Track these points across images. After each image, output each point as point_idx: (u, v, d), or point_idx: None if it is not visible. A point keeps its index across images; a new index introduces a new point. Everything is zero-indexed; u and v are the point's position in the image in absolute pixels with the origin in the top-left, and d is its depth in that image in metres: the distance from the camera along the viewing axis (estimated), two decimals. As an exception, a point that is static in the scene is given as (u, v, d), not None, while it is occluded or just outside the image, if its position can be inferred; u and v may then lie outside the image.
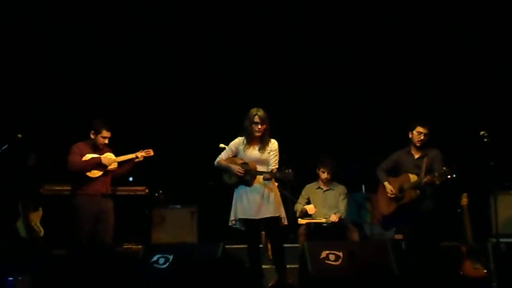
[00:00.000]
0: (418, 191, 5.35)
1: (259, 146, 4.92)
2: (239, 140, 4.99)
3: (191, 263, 4.65)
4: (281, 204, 4.98)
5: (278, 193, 4.98)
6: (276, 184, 5.04)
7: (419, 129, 5.43)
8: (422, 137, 5.42)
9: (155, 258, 5.05)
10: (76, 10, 6.97)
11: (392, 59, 7.07)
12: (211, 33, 7.21)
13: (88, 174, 5.39)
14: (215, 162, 5.03)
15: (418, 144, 5.44)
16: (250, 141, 4.93)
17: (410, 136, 5.49)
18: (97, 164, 5.39)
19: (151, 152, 5.60)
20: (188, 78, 7.38)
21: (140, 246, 5.76)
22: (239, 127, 4.92)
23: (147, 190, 6.87)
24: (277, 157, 4.93)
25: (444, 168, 5.15)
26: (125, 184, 6.71)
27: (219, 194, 6.58)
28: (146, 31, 7.18)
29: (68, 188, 5.70)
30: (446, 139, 5.85)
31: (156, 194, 7.00)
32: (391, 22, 6.98)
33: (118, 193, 6.27)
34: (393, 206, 5.53)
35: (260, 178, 4.85)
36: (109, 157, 5.44)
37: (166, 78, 7.31)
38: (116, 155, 5.54)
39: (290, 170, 4.71)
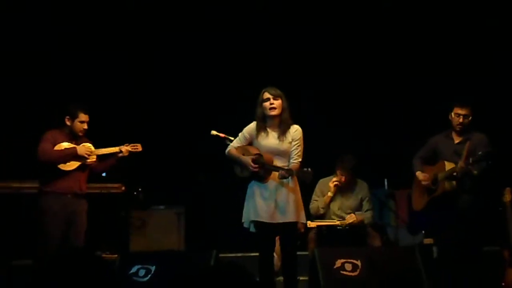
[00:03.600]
0: (454, 183, 5.13)
1: (278, 133, 4.59)
2: (253, 125, 4.66)
3: (177, 275, 4.67)
4: (302, 207, 4.70)
5: (299, 193, 4.68)
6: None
7: (457, 110, 5.27)
8: (461, 120, 5.25)
9: (134, 270, 4.90)
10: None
11: (422, 37, 7.09)
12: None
13: (61, 166, 5.17)
14: (226, 151, 4.75)
15: (458, 128, 5.28)
16: (266, 127, 4.61)
17: (450, 118, 5.35)
18: (72, 156, 5.19)
19: (139, 148, 5.47)
20: (173, 69, 7.41)
21: (116, 255, 5.59)
22: (231, 114, 4.69)
23: (123, 188, 6.59)
24: (300, 148, 4.59)
25: (480, 152, 4.94)
26: (97, 181, 6.41)
27: (210, 192, 6.60)
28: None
29: (29, 185, 5.70)
30: (489, 123, 5.70)
31: (135, 193, 6.84)
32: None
33: (89, 191, 5.99)
34: (425, 200, 5.36)
35: (277, 173, 4.53)
36: (87, 148, 5.25)
37: (150, 69, 7.36)
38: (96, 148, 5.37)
39: (310, 169, 4.39)
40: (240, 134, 4.72)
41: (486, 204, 5.46)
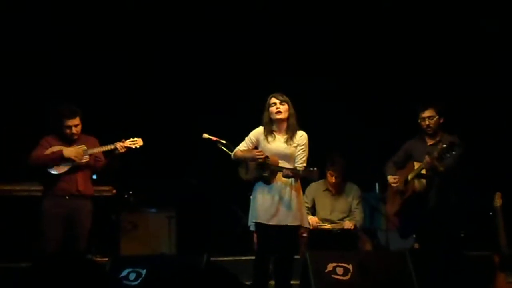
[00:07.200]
0: (424, 181, 5.18)
1: (285, 137, 4.72)
2: (260, 130, 4.80)
3: (168, 278, 4.66)
4: (304, 211, 4.83)
5: (302, 197, 4.81)
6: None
7: (421, 114, 5.30)
8: (427, 122, 5.27)
9: (124, 273, 4.85)
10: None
11: (412, 44, 7.11)
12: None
13: (51, 170, 5.15)
14: (232, 155, 4.87)
15: (428, 131, 5.30)
16: (272, 131, 4.75)
17: (419, 123, 5.38)
18: (59, 158, 5.14)
19: (138, 142, 5.28)
20: (164, 72, 7.44)
21: (107, 259, 5.40)
22: (226, 117, 4.73)
23: (114, 191, 6.64)
24: (305, 153, 4.72)
25: (444, 145, 4.96)
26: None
27: (202, 196, 6.53)
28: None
29: (27, 188, 6.02)
30: (476, 128, 5.80)
31: (126, 196, 6.86)
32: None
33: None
34: (397, 203, 5.39)
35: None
36: (76, 149, 5.18)
37: (142, 71, 7.36)
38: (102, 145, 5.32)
39: (315, 169, 4.50)
40: (246, 138, 4.84)
41: (475, 209, 5.50)
